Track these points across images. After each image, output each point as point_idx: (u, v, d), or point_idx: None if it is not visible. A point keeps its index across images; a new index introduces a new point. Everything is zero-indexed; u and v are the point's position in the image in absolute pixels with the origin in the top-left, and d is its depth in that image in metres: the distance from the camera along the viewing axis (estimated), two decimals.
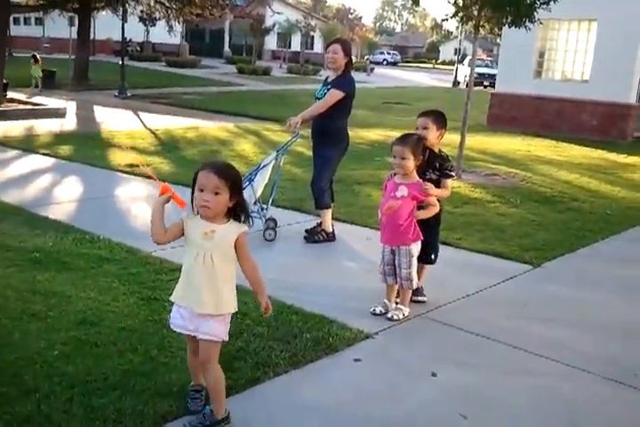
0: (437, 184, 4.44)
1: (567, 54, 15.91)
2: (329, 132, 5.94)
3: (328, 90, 5.90)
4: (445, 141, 13.23)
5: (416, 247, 4.36)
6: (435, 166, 4.47)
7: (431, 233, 4.58)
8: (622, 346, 4.20)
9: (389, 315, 4.36)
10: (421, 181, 4.27)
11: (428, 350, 4.00)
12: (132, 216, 6.66)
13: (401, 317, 4.35)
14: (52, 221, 6.25)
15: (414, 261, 4.36)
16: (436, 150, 4.53)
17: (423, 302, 4.67)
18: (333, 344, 3.87)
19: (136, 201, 7.33)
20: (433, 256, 4.72)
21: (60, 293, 4.36)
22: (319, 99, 5.97)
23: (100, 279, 4.69)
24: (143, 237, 5.84)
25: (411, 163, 4.19)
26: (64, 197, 7.36)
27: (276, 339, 3.87)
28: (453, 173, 4.63)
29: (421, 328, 4.31)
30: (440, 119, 4.54)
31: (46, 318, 3.93)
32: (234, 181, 2.83)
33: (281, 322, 4.12)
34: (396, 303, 4.45)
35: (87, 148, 10.53)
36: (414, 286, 4.42)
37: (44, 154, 9.98)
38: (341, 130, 6.03)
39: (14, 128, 12.70)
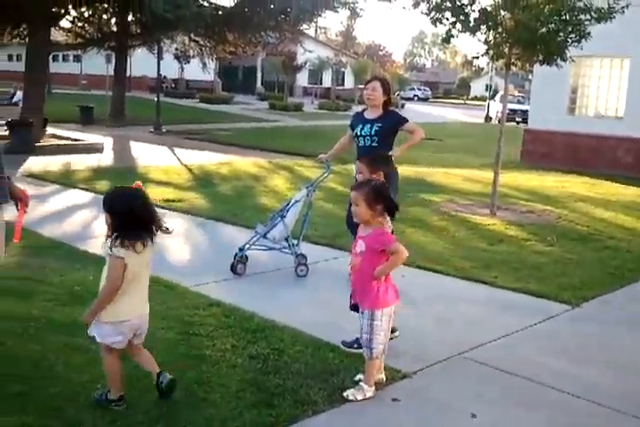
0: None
1: (600, 91, 15.90)
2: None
3: (373, 126, 5.67)
4: (478, 178, 13.04)
5: (381, 313, 3.77)
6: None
7: None
8: None
9: (345, 393, 3.70)
10: (382, 229, 3.75)
11: (466, 390, 3.95)
12: (170, 251, 6.73)
13: (359, 398, 3.67)
14: (91, 255, 6.33)
15: (377, 325, 3.76)
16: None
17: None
18: None
19: (173, 236, 7.39)
20: None
21: None
22: (362, 136, 5.74)
23: None
24: (181, 272, 5.95)
25: (364, 211, 3.70)
26: (103, 231, 7.45)
27: (314, 376, 3.87)
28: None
29: (460, 367, 4.26)
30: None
31: (88, 352, 3.97)
32: None
33: (318, 359, 4.12)
34: (359, 380, 3.81)
35: (124, 183, 10.65)
36: (373, 357, 3.77)
37: (82, 189, 10.19)
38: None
39: (53, 163, 13.00)
